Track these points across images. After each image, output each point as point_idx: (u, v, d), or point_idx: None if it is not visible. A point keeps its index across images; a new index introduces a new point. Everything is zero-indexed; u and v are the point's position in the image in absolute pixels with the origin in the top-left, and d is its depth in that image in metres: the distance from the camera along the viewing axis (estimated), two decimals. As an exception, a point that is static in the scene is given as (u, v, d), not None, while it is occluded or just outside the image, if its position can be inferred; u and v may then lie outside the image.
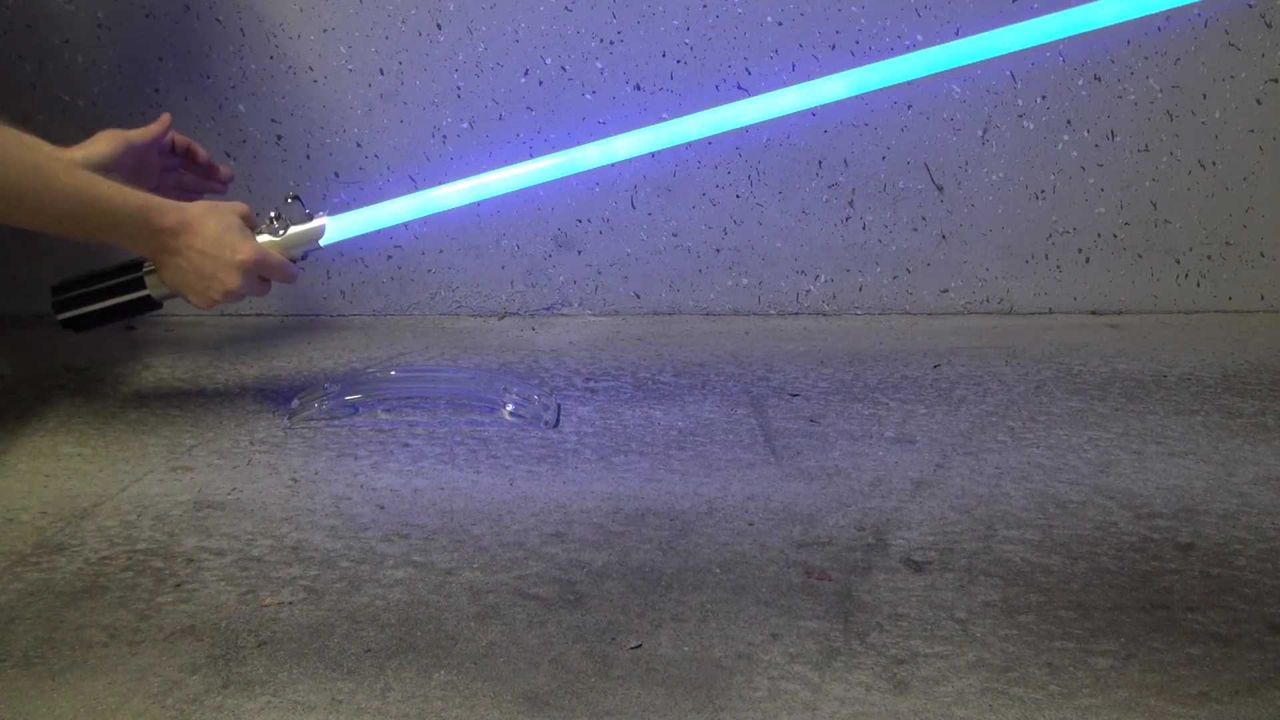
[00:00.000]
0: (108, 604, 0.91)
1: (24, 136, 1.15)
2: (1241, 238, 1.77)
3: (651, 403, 1.37)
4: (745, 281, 1.75)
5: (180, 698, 0.80)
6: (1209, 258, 1.77)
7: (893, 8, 1.65)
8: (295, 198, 1.27)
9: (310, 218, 1.27)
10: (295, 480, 1.15)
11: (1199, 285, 1.78)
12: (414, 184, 1.65)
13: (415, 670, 0.83)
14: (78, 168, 1.13)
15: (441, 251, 1.72)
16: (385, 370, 1.42)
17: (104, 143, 1.23)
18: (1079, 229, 1.75)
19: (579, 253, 1.73)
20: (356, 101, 1.65)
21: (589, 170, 1.35)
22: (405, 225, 1.63)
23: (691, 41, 1.65)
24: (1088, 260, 1.76)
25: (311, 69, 1.64)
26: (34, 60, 1.61)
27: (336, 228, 1.29)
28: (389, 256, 1.72)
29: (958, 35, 1.64)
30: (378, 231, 1.35)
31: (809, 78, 1.41)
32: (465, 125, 1.66)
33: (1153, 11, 1.29)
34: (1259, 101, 1.72)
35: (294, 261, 1.26)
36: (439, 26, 1.64)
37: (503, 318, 1.74)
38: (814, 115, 1.68)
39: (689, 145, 1.67)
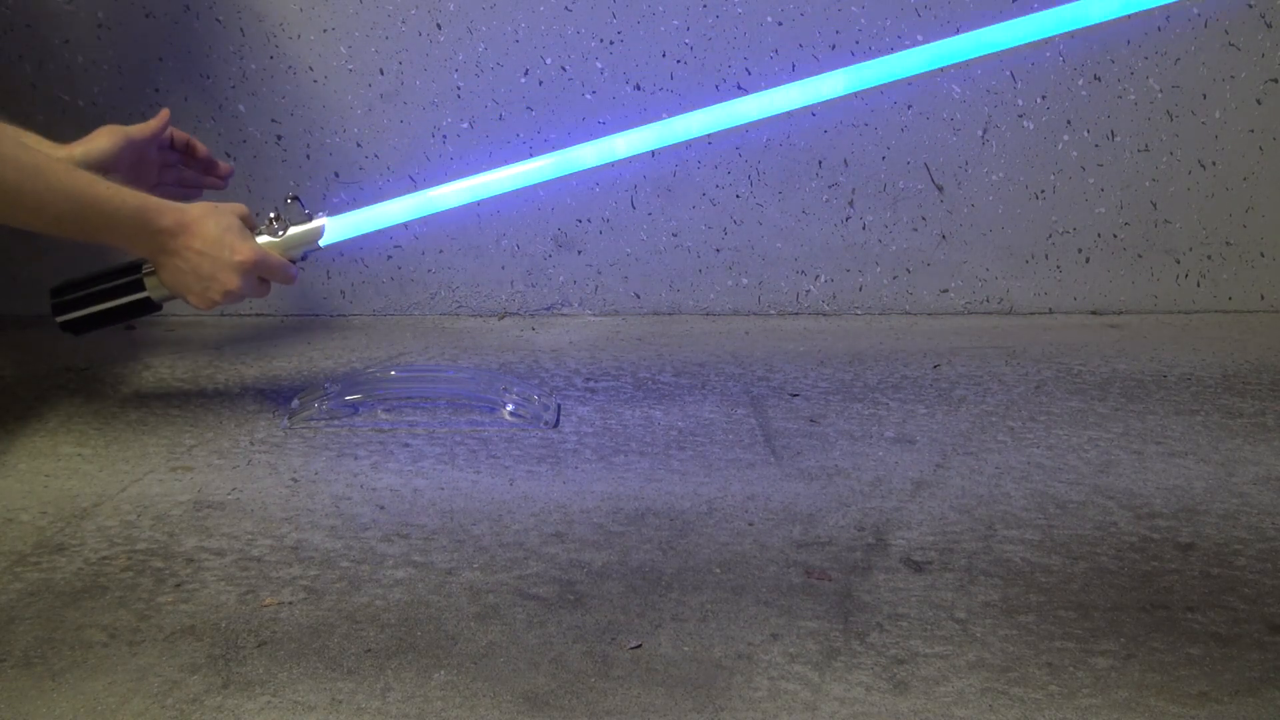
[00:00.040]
0: (108, 604, 0.91)
1: (23, 136, 1.15)
2: (1241, 238, 1.77)
3: (651, 403, 1.37)
4: (745, 281, 1.75)
5: (180, 698, 0.80)
6: (1209, 258, 1.77)
7: (893, 8, 1.65)
8: (294, 198, 1.27)
9: (310, 218, 1.27)
10: (295, 480, 1.15)
11: (1199, 285, 1.78)
12: (414, 184, 1.65)
13: (415, 670, 0.83)
14: (77, 168, 1.13)
15: (441, 251, 1.72)
16: (385, 370, 1.42)
17: (103, 139, 1.23)
18: (1079, 229, 1.75)
19: (579, 253, 1.73)
20: (356, 101, 1.65)
21: (589, 170, 1.35)
22: (405, 225, 1.63)
23: (691, 41, 1.65)
24: (1088, 260, 1.76)
25: (311, 69, 1.64)
26: (34, 60, 1.61)
27: (336, 228, 1.29)
28: (389, 256, 1.72)
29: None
30: (378, 232, 1.35)
31: (809, 78, 1.41)
32: (465, 125, 1.67)
33: (1149, 7, 1.29)
34: (1259, 101, 1.72)
35: (293, 262, 1.26)
36: (439, 26, 1.64)
37: (503, 318, 1.74)
38: (814, 115, 1.68)
39: (689, 145, 1.67)
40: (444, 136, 1.67)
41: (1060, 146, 1.72)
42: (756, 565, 0.99)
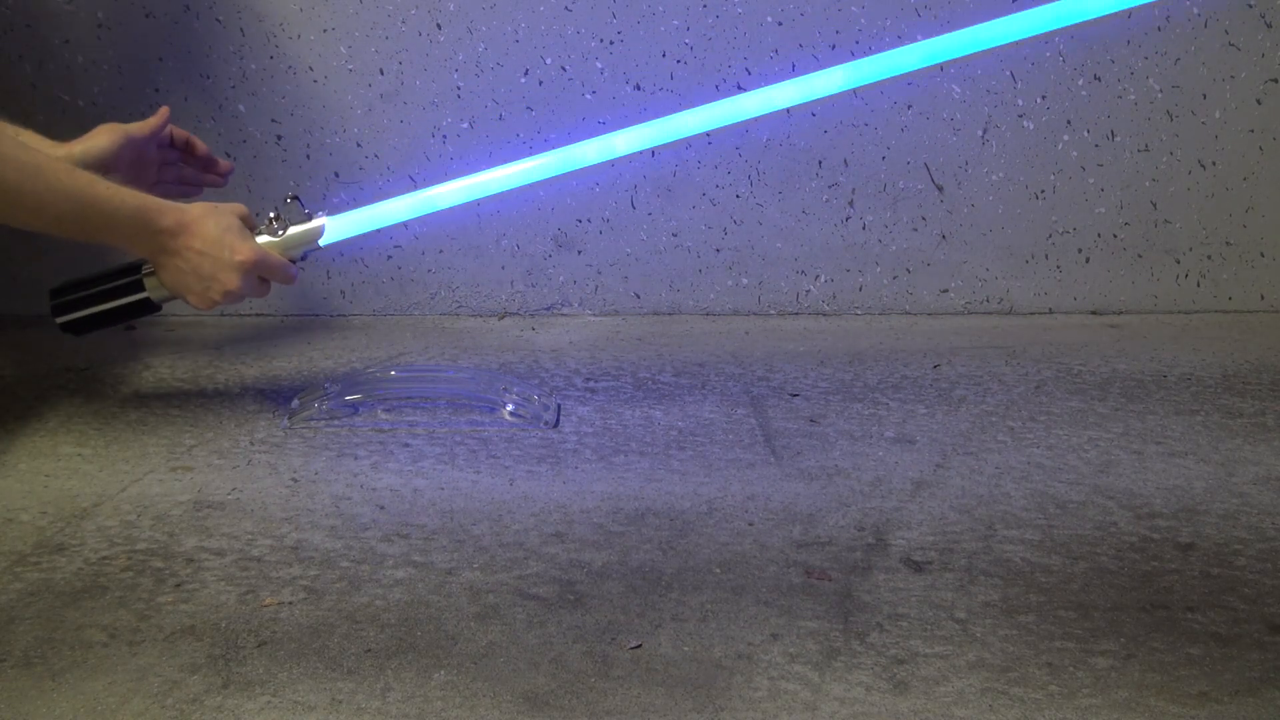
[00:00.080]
0: (108, 604, 0.91)
1: (23, 136, 1.15)
2: (1241, 238, 1.77)
3: (651, 403, 1.37)
4: (745, 281, 1.75)
5: (180, 698, 0.80)
6: (1209, 258, 1.77)
7: (893, 8, 1.65)
8: (294, 198, 1.27)
9: (309, 218, 1.27)
10: (295, 480, 1.15)
11: (1199, 285, 1.78)
12: (414, 184, 1.65)
13: (415, 670, 0.83)
14: (77, 169, 1.13)
15: (441, 251, 1.72)
16: (385, 370, 1.42)
17: (103, 137, 1.23)
18: (1079, 229, 1.75)
19: (579, 253, 1.73)
20: (356, 101, 1.65)
21: (589, 169, 1.35)
22: (405, 225, 1.63)
23: (691, 41, 1.65)
24: (1088, 260, 1.76)
25: (311, 69, 1.64)
26: (34, 60, 1.61)
27: (336, 228, 1.29)
28: (389, 256, 1.72)
29: (958, 35, 1.64)
30: (378, 231, 1.35)
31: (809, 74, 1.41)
32: (465, 125, 1.67)
33: (1144, 2, 1.28)
34: (1259, 101, 1.72)
35: (293, 262, 1.26)
36: (439, 26, 1.64)
37: (503, 318, 1.74)
38: (814, 115, 1.68)
39: (689, 145, 1.67)
40: (444, 136, 1.67)
41: (1060, 146, 1.72)
42: (756, 565, 0.99)
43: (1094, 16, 1.29)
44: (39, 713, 0.78)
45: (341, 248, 1.58)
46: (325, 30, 1.63)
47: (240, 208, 1.22)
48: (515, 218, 1.71)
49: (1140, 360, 1.55)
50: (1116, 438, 1.28)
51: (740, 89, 1.66)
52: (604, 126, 1.66)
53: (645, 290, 1.75)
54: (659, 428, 1.29)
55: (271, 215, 1.26)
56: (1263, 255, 1.78)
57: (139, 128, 1.26)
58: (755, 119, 1.64)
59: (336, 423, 1.29)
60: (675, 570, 0.98)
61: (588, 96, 1.66)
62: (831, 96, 1.32)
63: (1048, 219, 1.74)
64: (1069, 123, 1.71)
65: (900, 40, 1.65)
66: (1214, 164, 1.74)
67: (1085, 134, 1.71)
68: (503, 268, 1.73)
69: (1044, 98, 1.70)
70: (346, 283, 1.73)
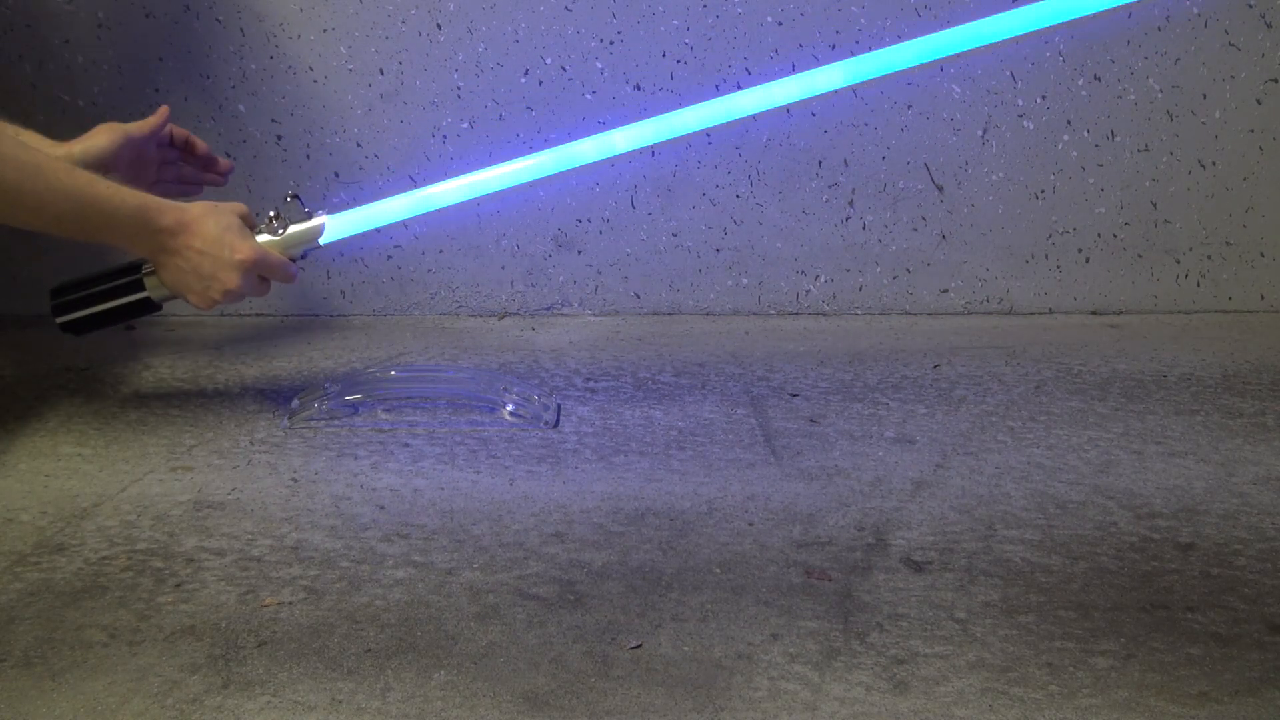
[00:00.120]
0: (108, 604, 0.91)
1: (23, 135, 1.15)
2: (1241, 238, 1.77)
3: (651, 403, 1.37)
4: (745, 281, 1.75)
5: (180, 698, 0.80)
6: (1209, 258, 1.77)
7: (893, 8, 1.65)
8: (294, 196, 1.27)
9: (309, 216, 1.27)
10: (295, 480, 1.15)
11: (1199, 285, 1.78)
12: (414, 184, 1.65)
13: (415, 670, 0.83)
14: (77, 168, 1.13)
15: (441, 251, 1.72)
16: (385, 370, 1.42)
17: (102, 136, 1.23)
18: (1079, 229, 1.75)
19: (579, 253, 1.73)
20: (356, 101, 1.65)
21: (589, 169, 1.35)
22: (405, 225, 1.63)
23: (691, 41, 1.65)
24: (1088, 260, 1.76)
25: (311, 69, 1.64)
26: (34, 60, 1.61)
27: (336, 226, 1.29)
28: (389, 256, 1.72)
29: (958, 35, 1.64)
30: (377, 231, 1.35)
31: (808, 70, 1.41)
32: (465, 125, 1.67)
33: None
34: (1259, 101, 1.72)
35: (294, 261, 1.26)
36: (439, 26, 1.64)
37: (503, 318, 1.74)
38: (814, 115, 1.68)
39: (689, 145, 1.67)
40: (444, 136, 1.67)
41: (1060, 146, 1.72)
42: (756, 565, 0.99)
43: (1094, 11, 1.29)
44: (39, 713, 0.78)
45: (341, 247, 1.59)
46: (325, 30, 1.63)
47: (240, 207, 1.22)
48: (515, 218, 1.71)
49: (1140, 360, 1.55)
50: (1116, 438, 1.28)
51: (740, 89, 1.65)
52: (604, 126, 1.65)
53: (645, 290, 1.75)
54: (659, 428, 1.29)
55: (271, 214, 1.26)
56: (1263, 255, 1.78)
57: (138, 127, 1.26)
58: (755, 120, 1.65)
59: (336, 423, 1.29)
60: (675, 570, 0.98)
61: (588, 96, 1.66)
62: (831, 97, 1.32)
63: (1048, 219, 1.74)
64: (1069, 123, 1.71)
65: (900, 40, 1.64)
66: (1214, 164, 1.74)
67: (1085, 134, 1.71)
68: (503, 268, 1.73)
69: (1044, 98, 1.70)
70: (346, 283, 1.73)
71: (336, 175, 1.67)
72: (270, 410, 1.33)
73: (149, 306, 1.25)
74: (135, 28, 1.61)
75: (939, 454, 1.23)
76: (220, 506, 1.09)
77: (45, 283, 1.27)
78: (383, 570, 0.97)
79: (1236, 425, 1.32)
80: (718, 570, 0.98)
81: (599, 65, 1.65)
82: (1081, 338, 1.66)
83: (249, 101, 1.64)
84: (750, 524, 1.06)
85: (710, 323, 1.72)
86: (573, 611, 0.91)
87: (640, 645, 0.87)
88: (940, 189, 1.72)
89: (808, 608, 0.92)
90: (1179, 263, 1.77)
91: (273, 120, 1.65)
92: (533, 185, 1.34)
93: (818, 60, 1.65)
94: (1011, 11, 1.29)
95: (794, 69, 1.65)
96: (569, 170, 1.33)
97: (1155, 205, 1.75)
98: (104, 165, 1.20)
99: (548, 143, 1.66)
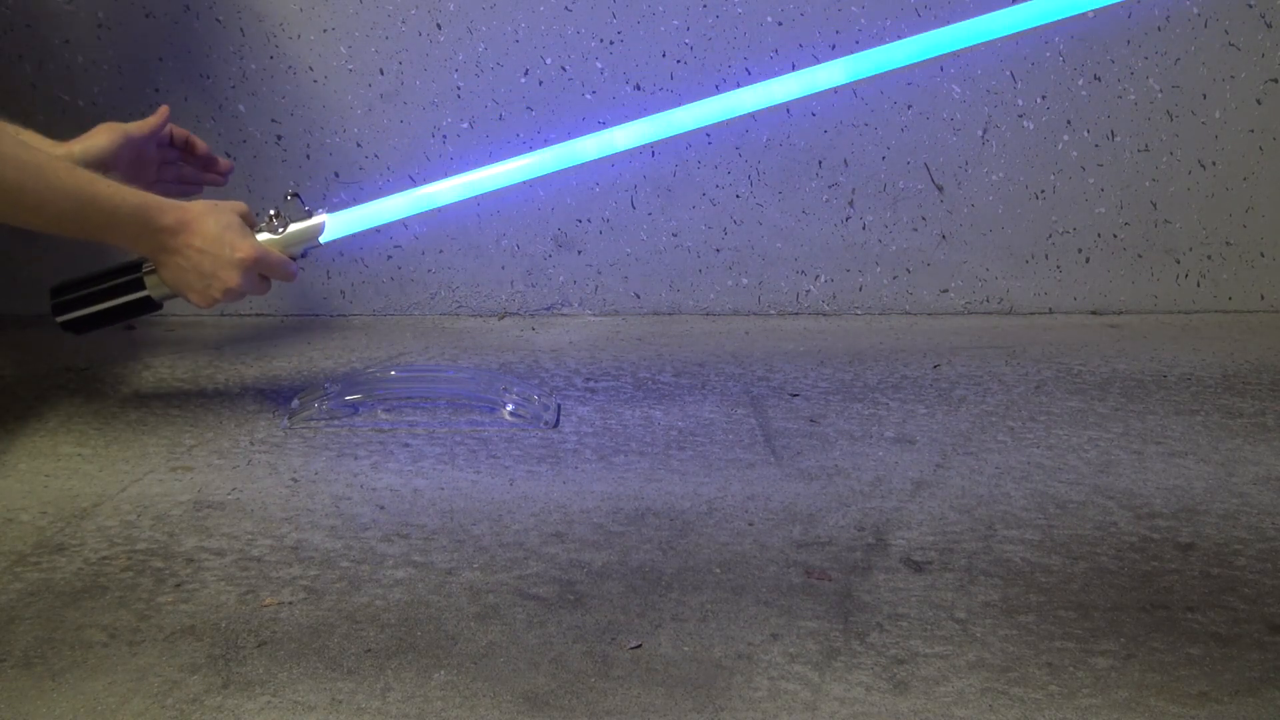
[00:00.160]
0: (108, 604, 0.91)
1: (23, 135, 1.15)
2: (1241, 238, 1.77)
3: (651, 403, 1.37)
4: (745, 281, 1.75)
5: (180, 698, 0.80)
6: (1209, 258, 1.77)
7: (893, 8, 1.65)
8: (295, 195, 1.27)
9: (310, 215, 1.27)
10: (295, 480, 1.15)
11: (1199, 285, 1.78)
12: (414, 184, 1.64)
13: (415, 670, 0.83)
14: (77, 167, 1.13)
15: (441, 251, 1.72)
16: (385, 370, 1.42)
17: (102, 136, 1.23)
18: (1079, 229, 1.75)
19: (579, 253, 1.73)
20: (356, 101, 1.65)
21: (589, 169, 1.35)
22: (405, 225, 1.63)
23: (691, 41, 1.65)
24: (1088, 260, 1.76)
25: (311, 69, 1.64)
26: (34, 60, 1.61)
27: (336, 225, 1.29)
28: (389, 256, 1.72)
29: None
30: (377, 231, 1.35)
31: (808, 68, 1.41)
32: (465, 125, 1.67)
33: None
34: (1259, 101, 1.72)
35: (294, 259, 1.26)
36: (439, 26, 1.64)
37: (503, 318, 1.74)
38: (814, 115, 1.68)
39: (689, 145, 1.67)
40: (444, 136, 1.67)
41: (1060, 146, 1.72)
42: (756, 565, 0.99)
43: (1095, 7, 1.28)
44: (39, 713, 0.78)
45: (341, 247, 1.59)
46: (325, 30, 1.63)
47: (240, 205, 1.22)
48: (515, 218, 1.71)
49: (1140, 360, 1.55)
50: (1116, 438, 1.28)
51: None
52: (604, 126, 1.65)
53: (645, 290, 1.75)
54: (659, 428, 1.29)
55: (272, 213, 1.26)
56: (1263, 255, 1.78)
57: (138, 127, 1.26)
58: (755, 120, 1.65)
59: (336, 423, 1.29)
60: (675, 570, 0.98)
61: (588, 96, 1.66)
62: (831, 96, 1.32)
63: (1048, 219, 1.74)
64: (1069, 123, 1.71)
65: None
66: (1214, 164, 1.74)
67: (1085, 134, 1.71)
68: (503, 268, 1.73)
69: (1044, 98, 1.70)
70: (346, 283, 1.73)
71: (336, 175, 1.67)
72: (270, 410, 1.33)
73: (149, 305, 1.25)
74: (135, 28, 1.61)
75: (939, 454, 1.23)
76: (220, 506, 1.09)
77: (45, 283, 1.27)
78: (383, 570, 0.97)
79: (1236, 425, 1.32)
80: (718, 570, 0.98)
81: (599, 65, 1.65)
82: (1081, 338, 1.66)
83: (249, 101, 1.64)
84: (750, 524, 1.06)
85: (710, 323, 1.72)
86: (573, 611, 0.91)
87: (640, 645, 0.87)
88: (940, 189, 1.72)
89: (808, 608, 0.92)
90: (1179, 263, 1.77)
91: (273, 120, 1.65)
92: (532, 185, 1.34)
93: (818, 60, 1.65)
94: (1013, 8, 1.29)
95: (794, 69, 1.65)
96: (569, 169, 1.33)
97: (1155, 205, 1.75)
98: (104, 165, 1.20)
99: (547, 143, 1.65)
